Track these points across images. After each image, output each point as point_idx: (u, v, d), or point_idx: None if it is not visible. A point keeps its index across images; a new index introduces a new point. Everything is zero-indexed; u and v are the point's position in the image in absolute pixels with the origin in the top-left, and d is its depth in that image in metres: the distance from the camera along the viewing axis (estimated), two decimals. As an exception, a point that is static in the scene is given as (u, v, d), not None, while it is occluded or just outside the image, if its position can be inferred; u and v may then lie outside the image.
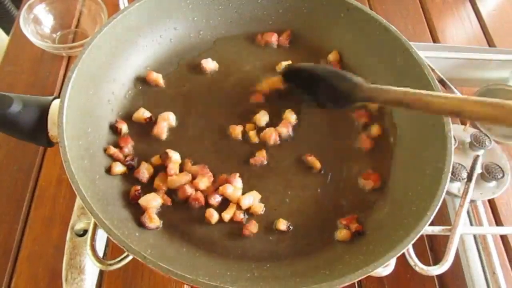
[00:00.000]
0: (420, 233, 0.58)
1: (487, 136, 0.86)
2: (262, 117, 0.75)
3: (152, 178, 0.69)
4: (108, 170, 0.68)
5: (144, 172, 0.68)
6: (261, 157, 0.72)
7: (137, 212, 0.65)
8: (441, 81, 0.81)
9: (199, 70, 0.82)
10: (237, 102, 0.79)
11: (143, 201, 0.65)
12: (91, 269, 0.66)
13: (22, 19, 0.99)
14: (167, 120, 0.73)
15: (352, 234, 0.67)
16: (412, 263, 0.65)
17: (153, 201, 0.65)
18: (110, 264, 0.59)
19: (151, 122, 0.74)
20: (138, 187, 0.67)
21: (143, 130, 0.73)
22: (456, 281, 0.82)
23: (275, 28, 0.86)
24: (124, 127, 0.72)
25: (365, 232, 0.67)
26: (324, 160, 0.74)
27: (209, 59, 0.81)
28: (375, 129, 0.77)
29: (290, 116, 0.76)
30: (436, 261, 0.68)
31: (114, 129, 0.72)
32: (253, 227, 0.66)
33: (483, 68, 1.03)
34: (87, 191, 0.58)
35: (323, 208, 0.70)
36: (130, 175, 0.69)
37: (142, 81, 0.79)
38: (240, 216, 0.67)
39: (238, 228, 0.67)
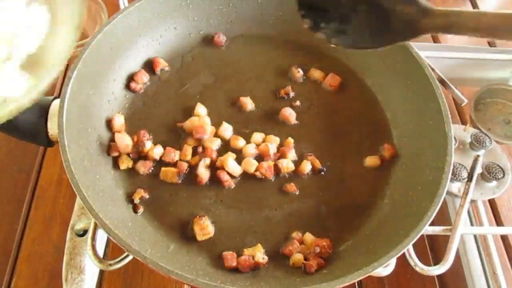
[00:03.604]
0: (421, 233, 0.58)
1: (488, 136, 0.86)
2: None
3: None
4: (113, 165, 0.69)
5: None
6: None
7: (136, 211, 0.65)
8: (441, 81, 0.81)
9: (199, 71, 0.82)
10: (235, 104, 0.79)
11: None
12: (91, 269, 0.66)
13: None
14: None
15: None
16: (412, 263, 0.65)
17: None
18: (110, 264, 0.59)
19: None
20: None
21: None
22: (456, 281, 0.82)
23: (275, 28, 0.87)
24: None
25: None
26: (324, 160, 0.74)
27: None
28: (386, 151, 0.75)
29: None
30: (437, 261, 0.68)
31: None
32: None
33: (483, 68, 1.03)
34: (87, 191, 0.58)
35: (323, 208, 0.70)
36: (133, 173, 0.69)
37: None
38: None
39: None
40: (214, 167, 0.71)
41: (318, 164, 0.73)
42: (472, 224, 0.84)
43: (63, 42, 0.46)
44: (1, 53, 0.42)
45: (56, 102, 0.66)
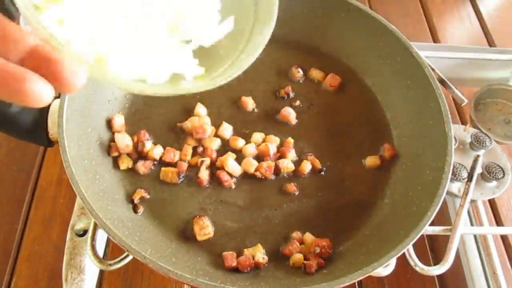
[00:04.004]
0: (421, 233, 0.58)
1: (488, 136, 0.86)
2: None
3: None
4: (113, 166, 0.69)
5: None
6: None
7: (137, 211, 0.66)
8: (441, 81, 0.81)
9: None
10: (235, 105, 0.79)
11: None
12: (91, 269, 0.66)
13: (22, 19, 0.99)
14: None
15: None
16: (412, 263, 0.65)
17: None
18: (110, 264, 0.59)
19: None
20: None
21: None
22: (456, 281, 0.82)
23: (276, 28, 0.86)
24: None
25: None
26: (324, 160, 0.74)
27: None
28: (386, 151, 0.75)
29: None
30: (437, 261, 0.68)
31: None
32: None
33: (483, 68, 1.03)
34: (87, 191, 0.58)
35: (323, 208, 0.70)
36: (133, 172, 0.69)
37: (142, 81, 0.78)
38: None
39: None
40: (214, 167, 0.71)
41: (318, 164, 0.73)
42: (472, 224, 0.84)
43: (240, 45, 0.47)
44: (184, 36, 0.44)
45: (56, 102, 0.66)
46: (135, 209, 0.66)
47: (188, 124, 0.74)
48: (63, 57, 0.32)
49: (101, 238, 0.69)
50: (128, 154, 0.70)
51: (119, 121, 0.72)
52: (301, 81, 0.83)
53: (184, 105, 0.77)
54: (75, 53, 0.36)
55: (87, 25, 0.37)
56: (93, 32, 0.37)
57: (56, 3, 0.35)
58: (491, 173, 0.82)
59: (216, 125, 0.75)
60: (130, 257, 0.59)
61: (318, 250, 0.63)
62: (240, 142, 0.73)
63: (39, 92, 0.30)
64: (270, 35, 0.45)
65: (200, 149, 0.72)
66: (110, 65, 0.38)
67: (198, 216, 0.66)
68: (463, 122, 1.03)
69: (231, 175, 0.70)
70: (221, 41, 0.46)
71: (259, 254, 0.63)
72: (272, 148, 0.72)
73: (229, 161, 0.70)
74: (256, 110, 0.78)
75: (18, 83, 0.30)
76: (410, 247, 0.61)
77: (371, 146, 0.77)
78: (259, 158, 0.72)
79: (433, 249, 0.85)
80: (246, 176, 0.71)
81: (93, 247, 0.60)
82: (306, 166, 0.72)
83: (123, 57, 0.39)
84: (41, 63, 0.31)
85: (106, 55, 0.38)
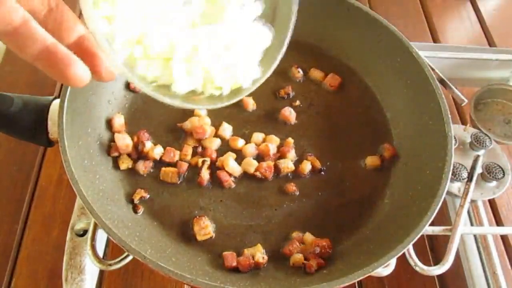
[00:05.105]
0: (421, 233, 0.58)
1: (488, 136, 0.86)
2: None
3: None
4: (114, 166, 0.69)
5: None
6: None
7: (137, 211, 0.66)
8: (441, 81, 0.81)
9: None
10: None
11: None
12: (91, 269, 0.66)
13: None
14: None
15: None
16: (412, 263, 0.65)
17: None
18: (110, 264, 0.59)
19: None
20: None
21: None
22: (456, 281, 0.82)
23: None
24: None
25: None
26: (324, 160, 0.74)
27: None
28: (386, 151, 0.75)
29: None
30: (437, 261, 0.68)
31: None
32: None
33: (483, 68, 1.03)
34: (87, 191, 0.58)
35: (323, 208, 0.70)
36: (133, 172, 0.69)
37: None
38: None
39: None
40: (214, 167, 0.71)
41: (318, 164, 0.73)
42: (472, 224, 0.84)
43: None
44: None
45: (56, 102, 0.66)
46: (135, 209, 0.66)
47: (188, 124, 0.74)
48: (102, 53, 0.37)
49: (101, 238, 0.69)
50: (128, 154, 0.70)
51: (119, 121, 0.72)
52: (301, 81, 0.83)
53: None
54: (114, 49, 0.39)
55: (130, 26, 0.40)
56: (133, 34, 0.40)
57: (107, 2, 0.39)
58: (491, 173, 0.82)
59: (216, 125, 0.75)
60: (130, 257, 0.59)
61: (318, 250, 0.63)
62: (240, 142, 0.73)
63: (80, 76, 0.36)
64: (268, 75, 0.51)
65: (200, 149, 0.72)
66: (139, 67, 0.41)
67: (198, 216, 0.66)
68: (463, 122, 1.03)
69: (231, 175, 0.70)
70: None
71: (259, 254, 0.63)
72: (272, 148, 0.72)
73: (229, 161, 0.70)
74: (256, 110, 0.78)
75: (65, 66, 0.35)
76: (410, 247, 0.61)
77: (371, 146, 0.77)
78: (259, 158, 0.73)
79: (433, 249, 0.85)
80: (246, 176, 0.71)
81: (93, 247, 0.60)
82: (306, 166, 0.72)
83: (151, 62, 0.42)
84: (84, 52, 0.37)
85: (137, 57, 0.41)
